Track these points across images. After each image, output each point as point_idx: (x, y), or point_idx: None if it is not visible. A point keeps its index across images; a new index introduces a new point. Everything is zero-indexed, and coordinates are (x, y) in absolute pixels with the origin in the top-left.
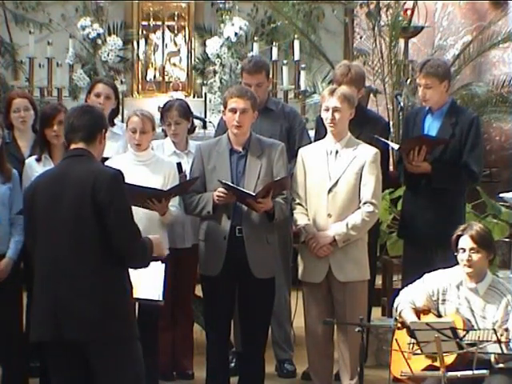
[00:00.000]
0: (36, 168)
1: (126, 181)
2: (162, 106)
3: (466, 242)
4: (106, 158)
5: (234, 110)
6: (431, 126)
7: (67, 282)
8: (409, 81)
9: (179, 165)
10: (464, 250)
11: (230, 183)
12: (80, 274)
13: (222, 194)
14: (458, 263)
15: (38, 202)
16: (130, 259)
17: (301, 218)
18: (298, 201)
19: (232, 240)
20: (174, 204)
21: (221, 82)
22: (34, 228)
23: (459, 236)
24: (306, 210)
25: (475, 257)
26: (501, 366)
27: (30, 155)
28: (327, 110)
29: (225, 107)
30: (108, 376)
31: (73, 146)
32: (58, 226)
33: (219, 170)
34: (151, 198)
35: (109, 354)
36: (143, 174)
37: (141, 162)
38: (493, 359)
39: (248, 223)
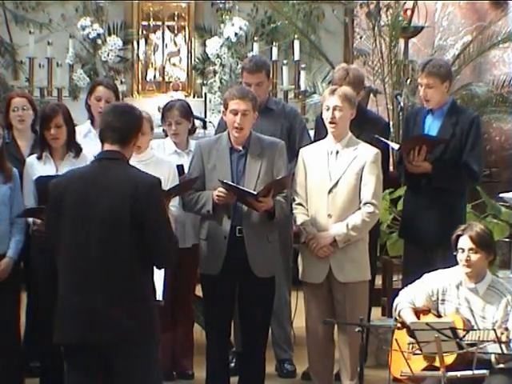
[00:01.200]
0: (37, 166)
1: None
2: (162, 105)
3: (465, 242)
4: None
5: (235, 112)
6: (431, 126)
7: (98, 285)
8: (409, 81)
9: (181, 167)
10: (463, 250)
11: (230, 182)
12: (111, 279)
13: (222, 194)
14: (457, 263)
15: (69, 201)
16: (163, 265)
17: (300, 218)
18: (298, 201)
19: (232, 239)
20: (174, 204)
21: (221, 82)
22: (61, 227)
23: (459, 236)
24: (307, 210)
25: (474, 257)
26: (501, 366)
27: (30, 155)
28: (328, 108)
29: (225, 108)
30: (131, 379)
31: (107, 147)
32: (90, 229)
33: (219, 168)
34: None
35: (134, 357)
36: None
37: (140, 162)
38: (493, 359)
39: (248, 223)
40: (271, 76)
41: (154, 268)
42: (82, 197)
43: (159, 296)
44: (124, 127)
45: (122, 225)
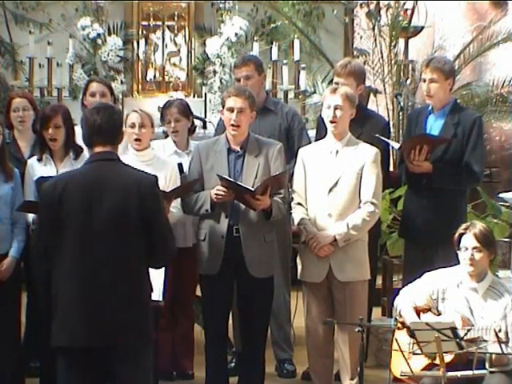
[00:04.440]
0: (38, 168)
1: None
2: (162, 105)
3: (469, 241)
4: None
5: (231, 109)
6: (433, 126)
7: (105, 286)
8: (409, 81)
9: (180, 165)
10: (466, 249)
11: (228, 177)
12: (119, 279)
13: (220, 192)
14: (458, 262)
15: (71, 202)
16: (162, 263)
17: (299, 216)
18: (298, 201)
19: (230, 239)
20: (175, 205)
21: (221, 82)
22: (62, 229)
23: (462, 234)
24: (306, 209)
25: (478, 256)
26: (494, 369)
27: (31, 155)
28: (329, 107)
29: (223, 106)
30: (131, 378)
31: (99, 149)
32: (96, 230)
33: (217, 169)
34: None
35: (135, 357)
36: None
37: (143, 162)
38: (487, 362)
39: (245, 222)
40: (265, 74)
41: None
42: (87, 197)
43: (159, 296)
44: (114, 128)
45: (128, 223)
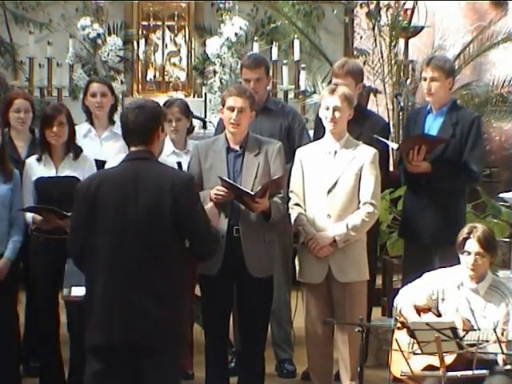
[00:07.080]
0: (36, 168)
1: None
2: (162, 105)
3: (472, 246)
4: (105, 162)
5: (231, 109)
6: (432, 126)
7: (140, 284)
8: (409, 81)
9: (179, 165)
10: (469, 253)
11: (229, 180)
12: (153, 277)
13: (220, 192)
14: (458, 263)
15: (105, 202)
16: (206, 256)
17: (296, 215)
18: (295, 201)
19: (230, 239)
20: None
21: (221, 82)
22: (96, 229)
23: (466, 239)
24: (304, 210)
25: (481, 261)
26: (508, 367)
27: (27, 155)
28: (327, 108)
29: (223, 105)
30: (164, 378)
31: (133, 148)
32: (130, 229)
33: (216, 168)
34: None
35: (167, 356)
36: None
37: None
38: (500, 360)
39: (245, 222)
40: (270, 75)
41: None
42: (121, 198)
43: None
44: (143, 127)
45: (163, 222)
